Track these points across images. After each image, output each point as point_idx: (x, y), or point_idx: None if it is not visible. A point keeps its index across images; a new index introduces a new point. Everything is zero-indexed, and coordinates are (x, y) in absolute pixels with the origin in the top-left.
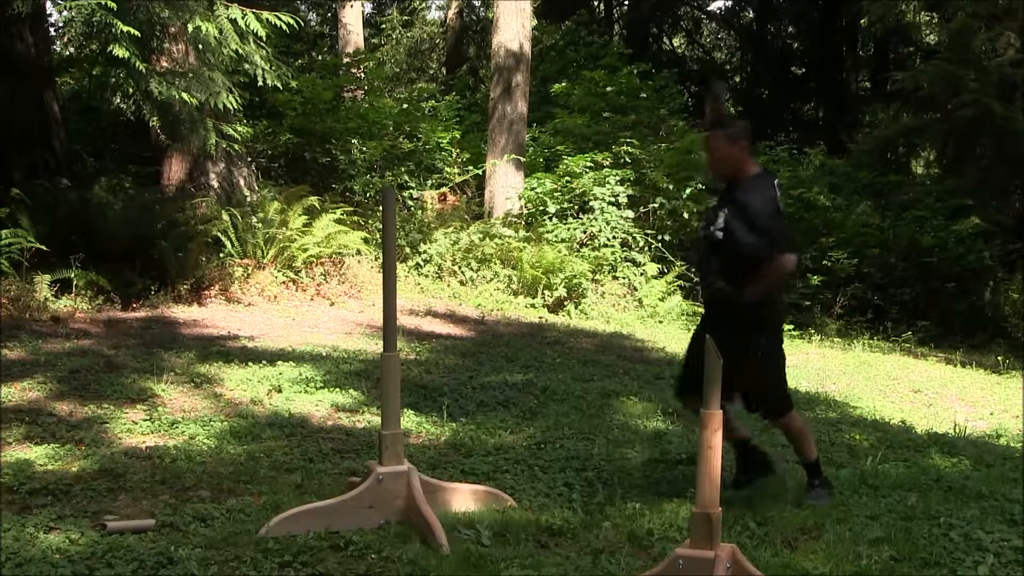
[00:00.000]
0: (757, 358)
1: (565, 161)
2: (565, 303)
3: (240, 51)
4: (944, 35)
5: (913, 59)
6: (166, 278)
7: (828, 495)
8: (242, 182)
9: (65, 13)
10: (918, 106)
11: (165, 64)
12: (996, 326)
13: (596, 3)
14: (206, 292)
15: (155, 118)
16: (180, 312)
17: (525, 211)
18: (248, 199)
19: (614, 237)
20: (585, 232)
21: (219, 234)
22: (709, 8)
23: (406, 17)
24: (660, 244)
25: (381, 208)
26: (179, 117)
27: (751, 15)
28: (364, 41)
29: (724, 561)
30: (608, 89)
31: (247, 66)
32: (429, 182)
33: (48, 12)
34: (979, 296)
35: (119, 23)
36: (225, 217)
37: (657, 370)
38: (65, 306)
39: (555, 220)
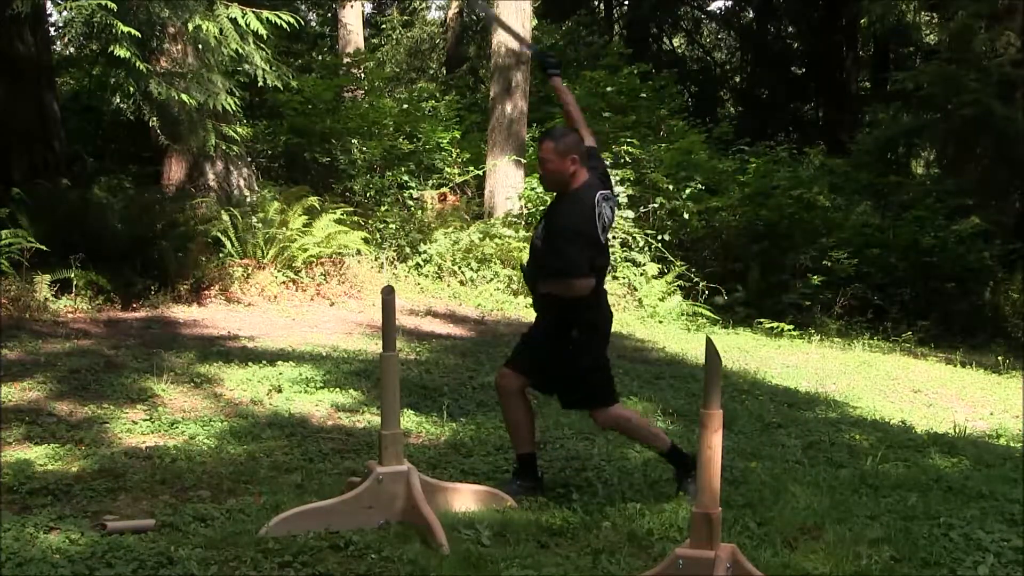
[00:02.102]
0: (572, 351)
1: None
2: None
3: (240, 51)
4: (944, 35)
5: (913, 59)
6: (166, 278)
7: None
8: (242, 182)
9: (65, 13)
10: (918, 106)
11: (165, 64)
12: (996, 326)
13: (596, 3)
14: (206, 292)
15: (155, 118)
16: (180, 312)
17: (525, 211)
18: (248, 199)
19: (614, 237)
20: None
21: (219, 234)
22: (709, 8)
23: (406, 17)
24: (660, 244)
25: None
26: (179, 118)
27: (751, 15)
28: (364, 41)
29: (724, 561)
30: (608, 89)
31: (247, 66)
32: (429, 182)
33: (48, 12)
34: (979, 296)
35: (119, 23)
36: (225, 217)
37: (657, 370)
38: (65, 306)
39: None
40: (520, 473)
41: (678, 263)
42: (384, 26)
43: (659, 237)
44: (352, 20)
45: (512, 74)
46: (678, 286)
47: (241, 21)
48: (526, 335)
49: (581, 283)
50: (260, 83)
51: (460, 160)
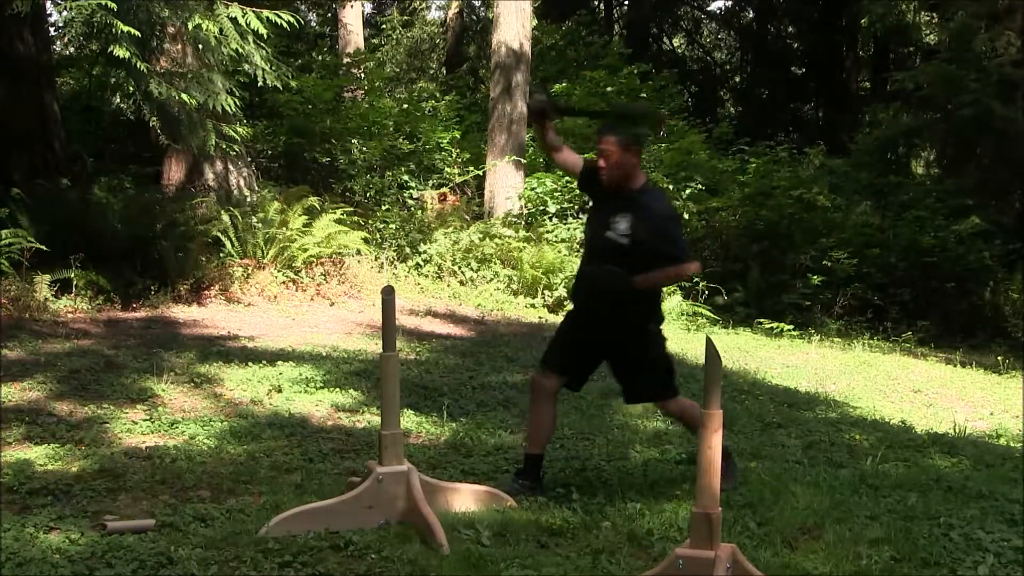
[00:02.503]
0: (647, 344)
1: None
2: (565, 303)
3: (240, 50)
4: (944, 35)
5: (913, 59)
6: (166, 278)
7: (734, 477)
8: (242, 182)
9: (65, 13)
10: (918, 106)
11: (165, 64)
12: (996, 326)
13: (596, 3)
14: (206, 292)
15: (155, 118)
16: (180, 312)
17: (525, 211)
18: (248, 199)
19: None
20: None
21: (219, 234)
22: (709, 8)
23: (406, 17)
24: None
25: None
26: (179, 117)
27: (751, 15)
28: (364, 41)
29: (724, 561)
30: (608, 89)
31: (247, 66)
32: (429, 182)
33: (48, 12)
34: (979, 296)
35: (119, 23)
36: (225, 217)
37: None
38: (65, 306)
39: (555, 220)
40: (523, 473)
41: None
42: (384, 26)
43: None
44: (352, 20)
45: (512, 74)
46: (678, 286)
47: (241, 21)
48: (571, 337)
49: (692, 267)
50: (260, 83)
51: (460, 160)
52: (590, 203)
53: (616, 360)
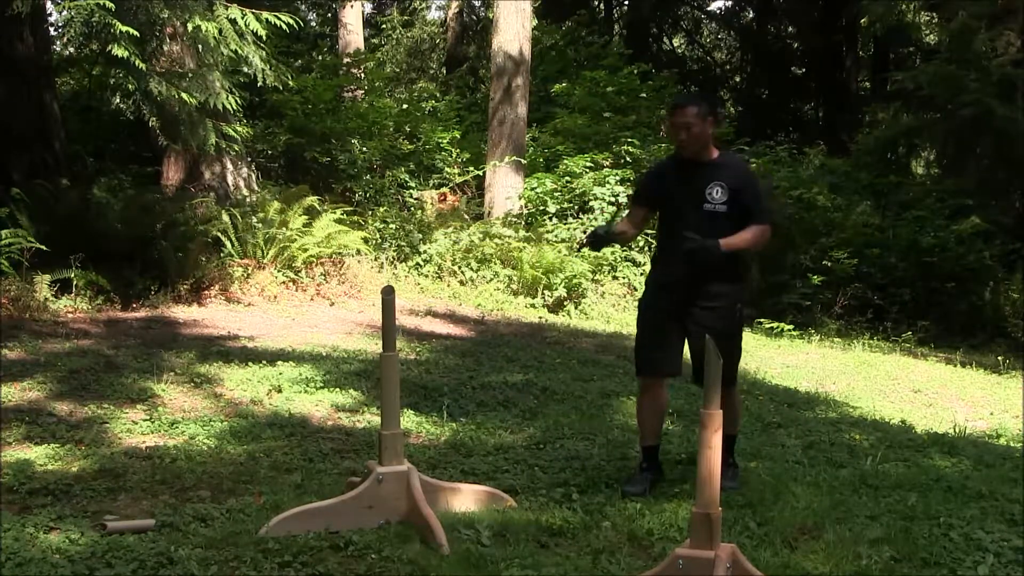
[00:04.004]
0: (736, 319)
1: (565, 161)
2: (565, 303)
3: (239, 51)
4: (944, 35)
5: (913, 59)
6: (166, 278)
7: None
8: (242, 182)
9: (64, 13)
10: (918, 106)
11: (164, 64)
12: (996, 326)
13: (596, 3)
14: (206, 292)
15: (154, 118)
16: (180, 312)
17: (525, 211)
18: (248, 199)
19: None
20: (585, 232)
21: (219, 234)
22: (709, 8)
23: (406, 17)
24: None
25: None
26: (178, 117)
27: (751, 15)
28: (364, 41)
29: (724, 561)
30: (608, 89)
31: (246, 68)
32: (429, 182)
33: (48, 12)
34: (979, 296)
35: (118, 23)
36: (225, 217)
37: None
38: (65, 306)
39: (555, 220)
40: (646, 467)
41: None
42: (384, 26)
43: None
44: (352, 20)
45: (512, 75)
46: None
47: (240, 21)
48: (659, 327)
49: (770, 230)
50: (260, 83)
51: (460, 160)
52: (663, 201)
53: (699, 331)
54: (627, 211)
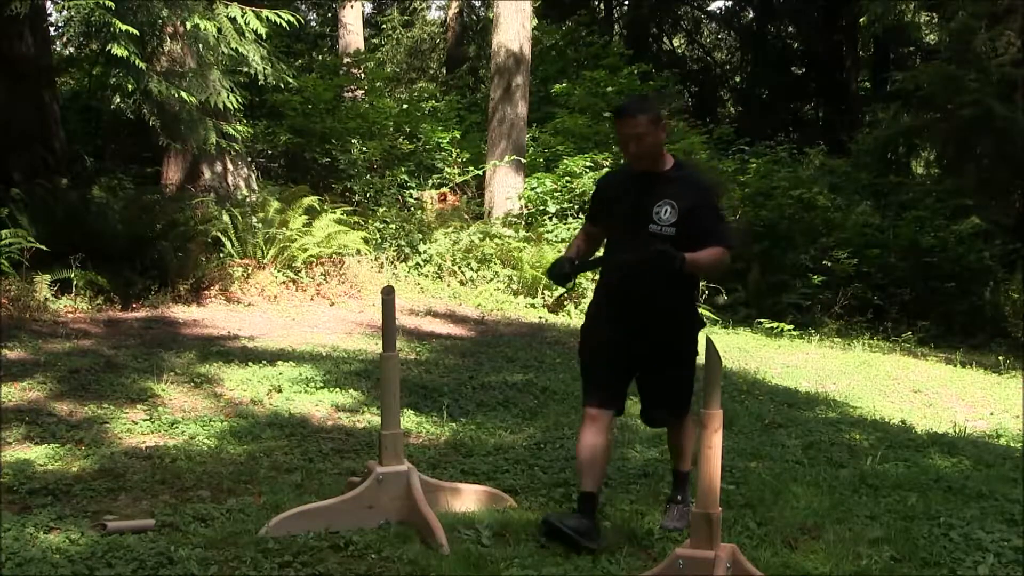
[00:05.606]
0: (691, 343)
1: (565, 161)
2: (565, 303)
3: (239, 50)
4: (944, 35)
5: (913, 59)
6: (166, 278)
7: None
8: (242, 182)
9: (64, 13)
10: (918, 106)
11: (164, 63)
12: (996, 326)
13: (596, 3)
14: (206, 292)
15: (154, 118)
16: (180, 312)
17: (525, 211)
18: (248, 199)
19: None
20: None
21: (219, 234)
22: (709, 8)
23: (406, 17)
24: None
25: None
26: (179, 116)
27: (751, 15)
28: (364, 41)
29: (724, 561)
30: (608, 89)
31: (246, 68)
32: (429, 182)
33: (48, 12)
34: (979, 296)
35: (117, 22)
36: (225, 217)
37: None
38: (65, 306)
39: (555, 220)
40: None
41: None
42: (384, 26)
43: None
44: (352, 20)
45: (512, 75)
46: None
47: (240, 20)
48: (613, 360)
49: (730, 253)
50: (260, 81)
51: (460, 160)
52: (607, 213)
53: (653, 362)
54: (582, 228)
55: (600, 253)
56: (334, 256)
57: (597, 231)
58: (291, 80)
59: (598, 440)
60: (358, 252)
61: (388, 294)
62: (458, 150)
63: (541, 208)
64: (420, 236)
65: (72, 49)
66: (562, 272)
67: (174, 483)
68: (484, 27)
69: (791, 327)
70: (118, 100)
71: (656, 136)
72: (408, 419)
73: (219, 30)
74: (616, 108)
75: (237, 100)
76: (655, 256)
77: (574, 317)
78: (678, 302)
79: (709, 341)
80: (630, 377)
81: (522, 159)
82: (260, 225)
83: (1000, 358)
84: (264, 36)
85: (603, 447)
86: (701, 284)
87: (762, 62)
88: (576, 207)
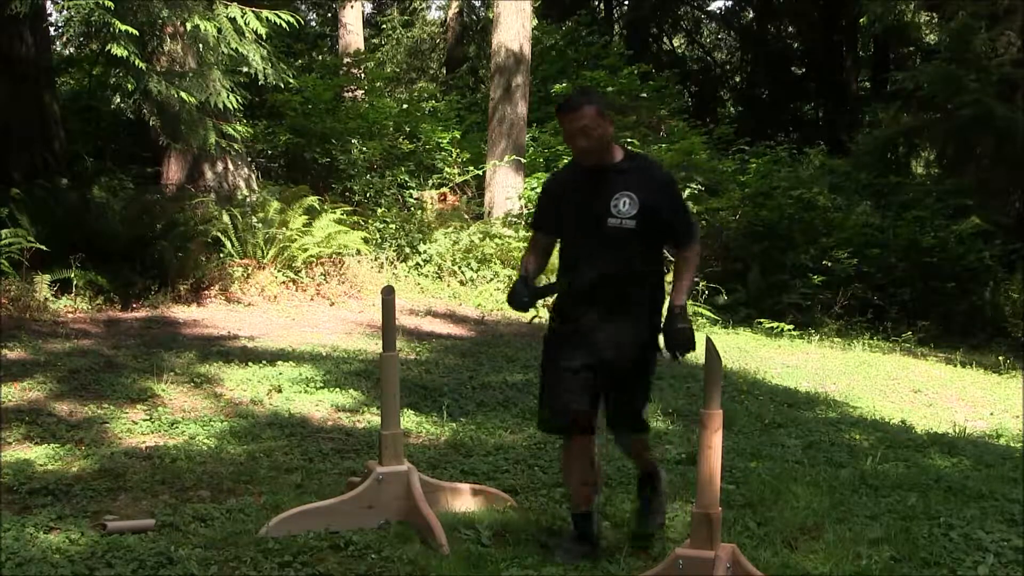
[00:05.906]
0: (650, 359)
1: (565, 161)
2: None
3: (239, 50)
4: (944, 35)
5: (913, 59)
6: (166, 278)
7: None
8: (242, 182)
9: (64, 13)
10: (918, 106)
11: (164, 63)
12: (996, 326)
13: (596, 3)
14: (206, 292)
15: (155, 118)
16: (180, 312)
17: (525, 211)
18: (248, 199)
19: None
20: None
21: (219, 234)
22: (709, 8)
23: (406, 17)
24: None
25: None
26: (179, 116)
27: (751, 15)
28: (364, 41)
29: (724, 561)
30: (608, 89)
31: (246, 68)
32: (429, 182)
33: (48, 12)
34: (979, 296)
35: (117, 22)
36: (225, 217)
37: (657, 370)
38: (65, 306)
39: None
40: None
41: None
42: (384, 26)
43: None
44: (352, 20)
45: (512, 75)
46: None
47: (240, 20)
48: (571, 367)
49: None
50: (260, 81)
51: (460, 160)
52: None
53: (616, 379)
54: (530, 240)
55: (555, 257)
56: (334, 256)
57: (547, 240)
58: (291, 80)
59: (583, 461)
60: (358, 252)
61: (388, 294)
62: (458, 150)
63: None
64: (420, 236)
65: (72, 49)
66: (521, 301)
67: (174, 483)
68: (484, 27)
69: (791, 327)
70: (118, 100)
71: (604, 128)
72: (408, 419)
73: (219, 30)
74: (559, 103)
75: (237, 100)
76: (684, 343)
77: None
78: (634, 310)
79: (709, 341)
80: (598, 398)
81: (522, 159)
82: (260, 225)
83: (1000, 358)
84: (264, 36)
85: (589, 466)
86: (700, 284)
87: (762, 62)
88: None
